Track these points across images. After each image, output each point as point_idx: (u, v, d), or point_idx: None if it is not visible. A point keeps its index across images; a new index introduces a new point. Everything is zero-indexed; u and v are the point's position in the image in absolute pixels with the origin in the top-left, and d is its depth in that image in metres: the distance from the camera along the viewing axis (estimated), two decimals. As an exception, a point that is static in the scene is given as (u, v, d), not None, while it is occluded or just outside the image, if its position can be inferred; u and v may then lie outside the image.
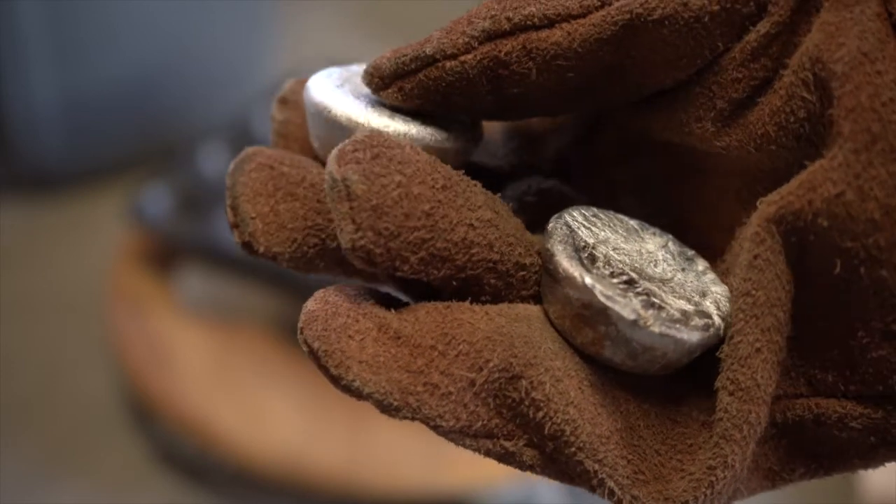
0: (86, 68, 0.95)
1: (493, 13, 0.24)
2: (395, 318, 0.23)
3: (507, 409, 0.23)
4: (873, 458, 0.24)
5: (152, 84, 0.99)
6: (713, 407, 0.24)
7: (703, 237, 0.26)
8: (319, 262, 0.25)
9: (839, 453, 0.24)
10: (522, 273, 0.24)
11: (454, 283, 0.24)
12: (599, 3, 0.24)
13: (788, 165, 0.23)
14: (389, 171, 0.23)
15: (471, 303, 0.24)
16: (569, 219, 0.25)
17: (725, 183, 0.26)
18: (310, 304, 0.23)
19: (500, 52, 0.24)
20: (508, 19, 0.24)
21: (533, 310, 0.24)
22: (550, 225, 0.24)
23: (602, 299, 0.23)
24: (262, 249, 0.25)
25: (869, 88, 0.22)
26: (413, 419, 0.23)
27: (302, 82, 0.27)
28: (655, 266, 0.24)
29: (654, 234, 0.26)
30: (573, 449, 0.23)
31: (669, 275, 0.24)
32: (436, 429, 0.23)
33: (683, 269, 0.25)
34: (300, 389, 0.76)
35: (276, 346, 0.79)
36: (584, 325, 0.23)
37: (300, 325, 0.23)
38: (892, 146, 0.21)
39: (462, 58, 0.24)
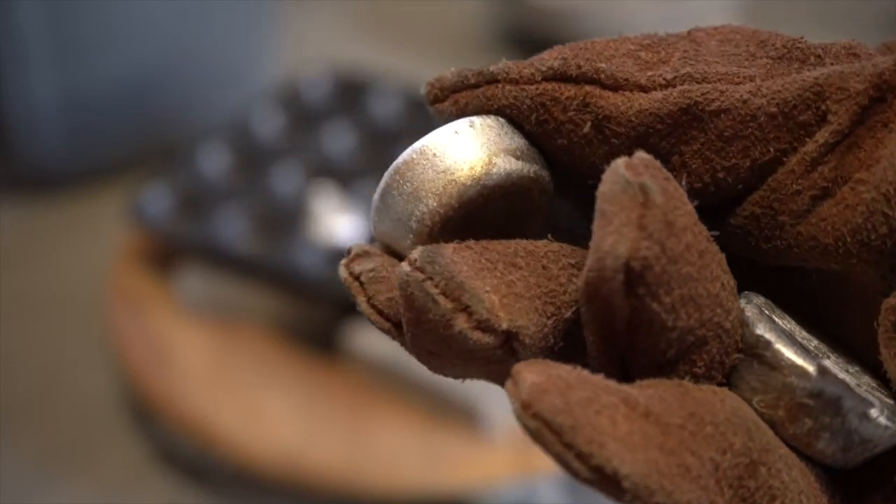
0: (86, 68, 0.95)
1: (564, 56, 0.24)
2: (639, 393, 0.21)
3: (739, 500, 0.21)
4: None
5: (152, 84, 0.99)
6: (879, 499, 0.23)
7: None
8: (551, 339, 0.23)
9: None
10: (737, 356, 0.23)
11: (688, 339, 0.22)
12: (664, 83, 0.24)
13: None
14: (678, 199, 0.22)
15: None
16: (759, 303, 0.24)
17: (846, 289, 0.25)
18: (529, 377, 0.21)
19: (560, 94, 0.24)
20: (578, 66, 0.24)
21: (735, 395, 0.23)
22: (748, 311, 0.24)
23: (857, 390, 0.22)
24: (504, 325, 0.22)
25: None
26: None
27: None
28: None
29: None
30: None
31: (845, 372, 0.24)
32: None
33: (848, 371, 0.24)
34: (300, 389, 0.76)
35: (276, 346, 0.79)
36: (803, 416, 0.23)
37: (524, 398, 0.20)
38: None
39: (523, 86, 0.24)
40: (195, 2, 0.99)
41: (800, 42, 0.25)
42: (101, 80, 0.96)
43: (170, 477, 0.75)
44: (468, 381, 0.25)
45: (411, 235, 0.24)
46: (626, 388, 0.21)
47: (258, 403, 0.75)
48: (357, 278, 0.25)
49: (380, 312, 0.24)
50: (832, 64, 0.25)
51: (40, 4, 0.90)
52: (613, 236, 0.21)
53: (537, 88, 0.24)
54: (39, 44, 0.91)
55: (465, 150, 0.24)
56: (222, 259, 0.80)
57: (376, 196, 0.25)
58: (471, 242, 0.23)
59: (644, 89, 0.24)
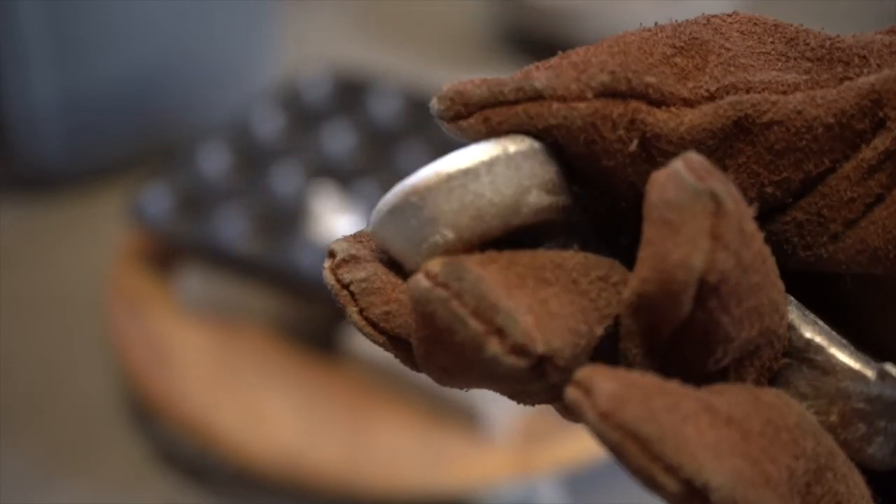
0: (86, 68, 0.95)
1: (612, 69, 0.22)
2: (717, 398, 0.20)
3: None
4: None
5: (152, 84, 0.99)
6: None
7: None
8: (582, 359, 0.21)
9: None
10: (785, 360, 0.22)
11: (747, 348, 0.21)
12: (709, 95, 0.23)
13: None
14: (743, 203, 0.20)
15: None
16: (795, 304, 0.23)
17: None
18: (605, 385, 0.19)
19: (610, 112, 0.22)
20: (628, 80, 0.22)
21: (793, 399, 0.22)
22: (791, 314, 0.23)
23: None
24: (541, 348, 0.20)
25: None
26: None
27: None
28: None
29: None
30: None
31: None
32: None
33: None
34: (300, 389, 0.76)
35: (276, 346, 0.79)
36: (858, 420, 0.22)
37: (604, 408, 0.19)
38: None
39: (573, 103, 0.22)
40: (195, 2, 0.99)
41: (837, 41, 0.24)
42: (101, 80, 0.96)
43: (170, 477, 0.75)
44: None
45: (419, 258, 0.22)
46: (702, 393, 0.20)
47: (258, 403, 0.75)
48: (346, 287, 0.23)
49: (373, 325, 0.23)
50: (878, 64, 0.23)
51: (40, 4, 0.90)
52: (685, 247, 0.20)
53: (588, 107, 0.22)
54: (39, 44, 0.91)
55: (497, 185, 0.22)
56: (222, 259, 0.80)
57: (384, 207, 0.22)
58: (493, 254, 0.21)
59: (689, 103, 0.23)
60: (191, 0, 0.99)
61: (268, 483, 0.73)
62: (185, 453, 0.76)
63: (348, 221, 0.82)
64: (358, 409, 0.75)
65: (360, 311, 0.23)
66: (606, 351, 0.22)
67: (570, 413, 0.20)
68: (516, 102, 0.22)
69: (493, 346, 0.20)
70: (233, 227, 0.80)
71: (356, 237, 0.24)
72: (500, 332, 0.20)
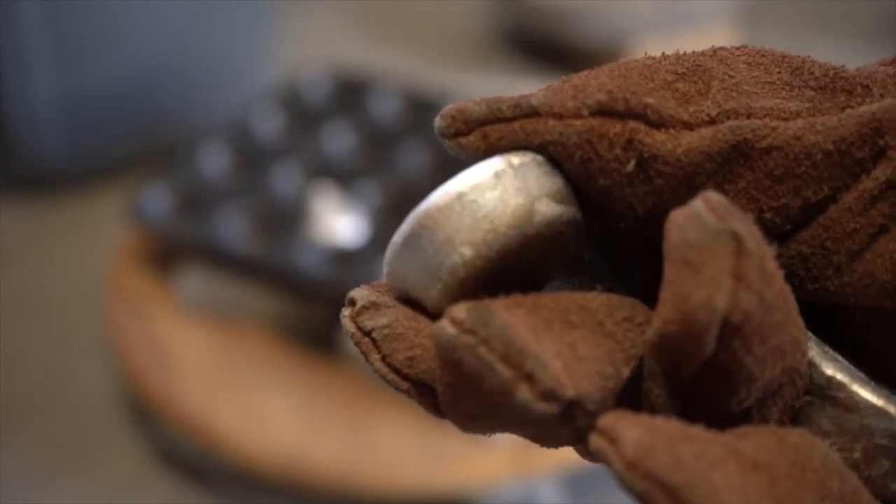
0: (86, 68, 0.95)
1: (609, 89, 0.22)
2: (742, 443, 0.20)
3: None
4: None
5: (152, 84, 0.99)
6: None
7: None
8: (610, 402, 0.21)
9: None
10: (806, 398, 0.22)
11: (770, 388, 0.21)
12: (709, 119, 0.23)
13: None
14: (763, 243, 0.20)
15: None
16: (814, 340, 0.23)
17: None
18: (631, 434, 0.19)
19: (606, 130, 0.22)
20: (626, 100, 0.22)
21: (817, 438, 0.22)
22: (813, 351, 0.23)
23: None
24: (571, 393, 0.20)
25: None
26: None
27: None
28: None
29: None
30: None
31: None
32: None
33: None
34: (300, 389, 0.76)
35: (276, 346, 0.79)
36: (881, 457, 0.22)
37: (631, 457, 0.19)
38: None
39: (569, 121, 0.22)
40: (195, 2, 0.99)
41: (841, 71, 0.24)
42: (101, 80, 0.96)
43: (170, 477, 0.75)
44: None
45: (440, 286, 0.22)
46: (727, 438, 0.20)
47: (258, 403, 0.75)
48: (368, 334, 0.23)
49: (397, 372, 0.23)
50: (881, 94, 0.23)
51: (40, 4, 0.90)
52: (707, 288, 0.20)
53: (584, 124, 0.22)
54: (39, 44, 0.91)
55: (507, 195, 0.22)
56: (222, 259, 0.80)
57: (398, 239, 0.22)
58: (518, 297, 0.21)
59: (689, 126, 0.23)
60: (191, 0, 0.99)
61: (268, 483, 0.73)
62: (185, 453, 0.76)
63: (348, 221, 0.82)
64: (358, 409, 0.75)
65: (383, 358, 0.23)
66: (632, 391, 0.22)
67: (593, 457, 0.20)
68: (513, 119, 0.23)
69: (523, 393, 0.20)
70: (233, 227, 0.80)
71: (375, 286, 0.24)
72: (529, 378, 0.20)
